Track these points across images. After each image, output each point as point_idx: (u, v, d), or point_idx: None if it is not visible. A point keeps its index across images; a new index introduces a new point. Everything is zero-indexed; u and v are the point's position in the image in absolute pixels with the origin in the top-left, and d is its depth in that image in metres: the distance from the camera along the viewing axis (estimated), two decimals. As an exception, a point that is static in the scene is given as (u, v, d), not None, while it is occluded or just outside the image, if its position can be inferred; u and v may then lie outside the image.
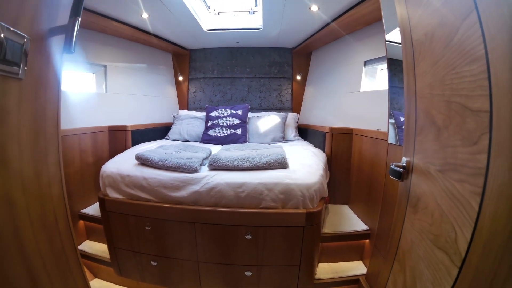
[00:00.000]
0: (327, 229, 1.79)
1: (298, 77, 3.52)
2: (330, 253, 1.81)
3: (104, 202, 1.62)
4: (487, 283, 0.52)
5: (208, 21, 2.83)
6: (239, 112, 2.83)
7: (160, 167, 1.62)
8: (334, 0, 2.01)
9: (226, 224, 1.49)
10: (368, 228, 1.79)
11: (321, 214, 1.50)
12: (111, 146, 2.35)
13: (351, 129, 2.14)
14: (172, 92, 3.62)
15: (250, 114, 3.01)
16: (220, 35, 2.99)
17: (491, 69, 0.52)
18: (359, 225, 1.85)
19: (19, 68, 0.60)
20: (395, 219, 1.00)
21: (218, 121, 2.80)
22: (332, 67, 2.90)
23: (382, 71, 2.26)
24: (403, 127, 1.01)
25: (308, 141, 2.83)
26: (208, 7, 2.78)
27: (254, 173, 1.55)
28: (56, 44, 0.73)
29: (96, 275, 1.92)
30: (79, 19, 0.69)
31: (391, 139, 1.43)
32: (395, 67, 1.37)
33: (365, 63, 2.33)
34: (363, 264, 1.77)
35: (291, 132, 3.01)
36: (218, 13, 2.88)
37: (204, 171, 1.60)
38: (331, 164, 2.21)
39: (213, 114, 2.87)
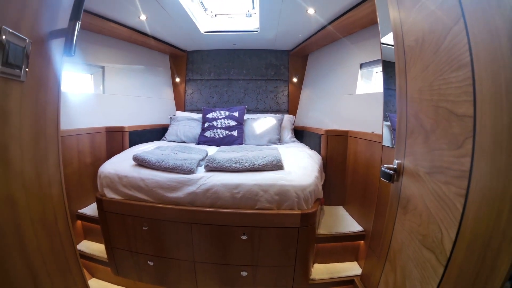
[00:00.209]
0: (322, 230, 1.81)
1: (295, 79, 3.53)
2: (325, 254, 1.82)
3: (101, 203, 1.63)
4: (470, 282, 0.53)
5: (205, 23, 2.85)
6: (236, 114, 2.85)
7: (157, 168, 1.63)
8: (330, 3, 2.02)
9: (222, 225, 1.51)
10: (363, 230, 1.81)
11: (316, 215, 1.52)
12: (108, 147, 2.35)
13: (347, 131, 2.16)
14: (169, 93, 3.63)
15: (246, 116, 3.02)
16: (217, 37, 3.01)
17: (475, 76, 0.53)
18: (354, 227, 1.86)
19: (21, 70, 0.61)
20: (386, 220, 1.02)
21: (214, 123, 2.81)
22: (328, 69, 2.92)
23: (378, 73, 2.27)
24: (397, 129, 1.02)
25: (304, 143, 2.84)
26: (206, 9, 2.81)
27: (250, 174, 1.57)
28: (56, 47, 0.74)
29: (93, 275, 1.92)
30: (79, 22, 0.70)
31: (386, 141, 1.44)
32: (390, 69, 1.35)
33: (361, 65, 2.36)
34: (358, 265, 1.79)
35: (287, 134, 3.03)
36: (215, 15, 2.90)
37: (201, 172, 1.62)
38: (326, 166, 2.22)
39: (209, 115, 2.89)
